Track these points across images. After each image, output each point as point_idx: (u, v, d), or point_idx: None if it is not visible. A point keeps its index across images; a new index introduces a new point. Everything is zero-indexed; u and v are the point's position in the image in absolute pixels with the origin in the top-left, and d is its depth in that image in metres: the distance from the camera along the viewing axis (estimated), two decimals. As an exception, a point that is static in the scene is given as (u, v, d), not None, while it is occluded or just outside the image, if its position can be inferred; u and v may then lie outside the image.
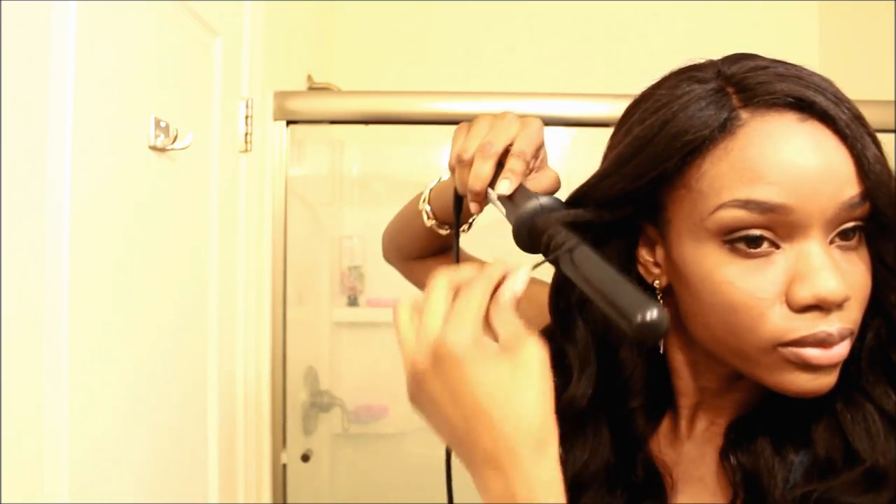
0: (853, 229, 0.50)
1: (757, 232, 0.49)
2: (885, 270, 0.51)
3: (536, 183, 0.62)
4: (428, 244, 0.79)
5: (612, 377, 0.60)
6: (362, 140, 2.06)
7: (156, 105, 0.90)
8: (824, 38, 2.05)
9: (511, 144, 0.62)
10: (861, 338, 0.52)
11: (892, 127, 1.25)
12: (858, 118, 0.50)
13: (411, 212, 0.78)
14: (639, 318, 0.42)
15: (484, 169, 0.61)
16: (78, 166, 0.72)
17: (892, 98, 1.32)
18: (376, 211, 2.10)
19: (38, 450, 0.68)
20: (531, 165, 0.63)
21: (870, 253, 0.51)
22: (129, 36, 0.84)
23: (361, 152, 2.10)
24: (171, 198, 0.96)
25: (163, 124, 0.91)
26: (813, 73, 0.51)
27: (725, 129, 0.50)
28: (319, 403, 1.82)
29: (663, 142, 0.51)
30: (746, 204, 0.48)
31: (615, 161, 0.56)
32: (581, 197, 0.58)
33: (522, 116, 0.63)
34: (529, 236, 0.56)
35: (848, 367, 0.51)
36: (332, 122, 1.48)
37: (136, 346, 0.87)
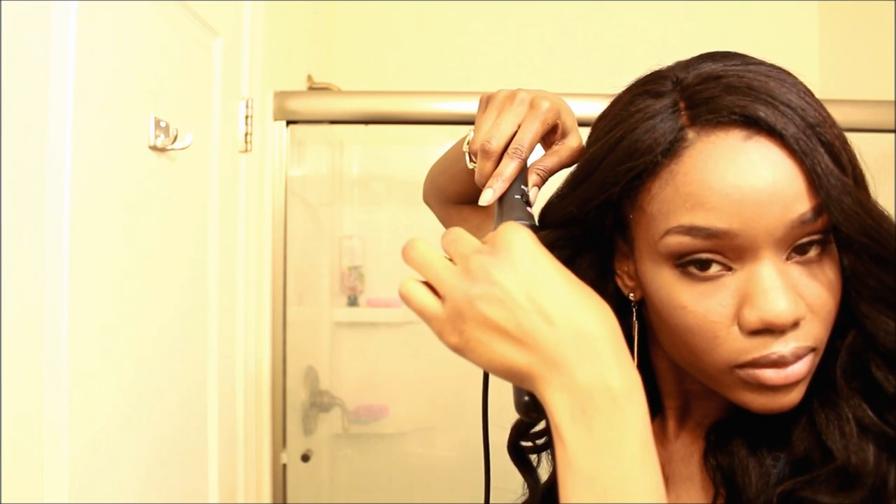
0: (811, 243, 0.49)
1: (705, 256, 0.48)
2: (855, 280, 0.49)
3: (556, 157, 0.63)
4: (468, 188, 0.74)
5: None
6: (362, 140, 2.06)
7: (156, 105, 0.90)
8: (824, 38, 2.05)
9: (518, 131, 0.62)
10: (837, 348, 0.51)
11: (892, 127, 1.25)
12: (814, 126, 0.48)
13: (455, 153, 0.75)
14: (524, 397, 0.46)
15: (485, 168, 0.61)
16: (78, 166, 0.72)
17: (892, 98, 1.32)
18: (376, 211, 2.10)
19: (38, 450, 0.68)
20: (552, 140, 0.64)
21: (840, 263, 0.50)
22: (129, 36, 0.84)
23: (361, 152, 2.10)
24: (171, 198, 0.96)
25: (163, 124, 0.91)
26: (772, 78, 0.49)
27: (671, 151, 0.49)
28: (319, 403, 1.82)
29: (609, 166, 0.52)
30: (690, 230, 0.48)
31: (570, 181, 0.57)
32: (543, 215, 0.59)
33: (533, 95, 0.62)
34: None
35: (827, 373, 0.51)
36: (332, 122, 1.48)
37: (136, 347, 0.87)
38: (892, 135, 1.31)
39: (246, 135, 1.23)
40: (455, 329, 0.46)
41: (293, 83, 1.59)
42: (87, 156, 0.74)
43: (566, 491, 0.42)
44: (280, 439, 1.35)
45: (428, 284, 0.48)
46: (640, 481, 0.41)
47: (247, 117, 1.23)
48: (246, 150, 1.23)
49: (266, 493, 1.30)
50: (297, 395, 1.62)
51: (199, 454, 1.08)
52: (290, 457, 1.40)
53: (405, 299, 0.48)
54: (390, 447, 2.01)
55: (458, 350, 0.47)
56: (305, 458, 1.56)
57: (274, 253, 1.33)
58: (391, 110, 1.41)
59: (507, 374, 0.45)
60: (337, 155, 2.04)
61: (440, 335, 0.47)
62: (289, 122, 1.36)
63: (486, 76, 2.09)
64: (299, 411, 1.64)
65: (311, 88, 1.73)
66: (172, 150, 0.93)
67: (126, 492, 0.84)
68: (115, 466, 0.82)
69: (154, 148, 0.90)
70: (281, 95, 1.35)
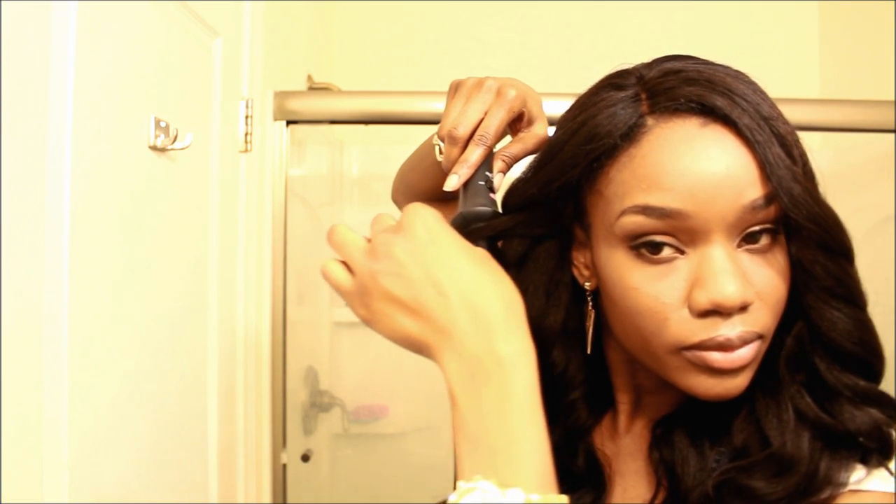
0: (762, 232, 0.50)
1: (659, 238, 0.50)
2: (802, 272, 0.51)
3: (521, 145, 0.64)
4: (437, 184, 0.73)
5: (547, 374, 0.60)
6: (362, 140, 2.06)
7: (156, 105, 0.90)
8: (824, 38, 2.05)
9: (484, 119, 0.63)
10: (785, 341, 0.53)
11: (892, 127, 1.25)
12: (768, 119, 0.49)
13: (426, 147, 0.76)
14: None
15: (452, 154, 0.63)
16: (78, 166, 0.72)
17: (892, 98, 1.32)
18: (376, 211, 2.08)
19: (38, 450, 0.68)
20: (518, 128, 0.66)
21: (789, 254, 0.51)
22: (129, 36, 0.84)
23: (361, 152, 2.10)
24: (171, 198, 0.96)
25: (163, 124, 0.91)
26: (729, 75, 0.51)
27: (630, 136, 0.51)
28: (319, 403, 1.82)
29: (571, 149, 0.53)
30: (644, 210, 0.49)
31: (534, 165, 0.59)
32: (505, 199, 0.60)
33: (501, 83, 0.64)
34: None
35: (773, 366, 0.52)
36: (332, 122, 1.48)
37: (136, 347, 0.87)
38: (892, 135, 1.31)
39: (246, 135, 1.23)
40: (362, 302, 0.50)
41: (293, 83, 1.59)
42: (87, 156, 0.74)
43: (458, 453, 0.44)
44: (280, 439, 1.35)
45: (345, 263, 0.52)
46: (525, 443, 0.43)
47: (247, 117, 1.23)
48: (246, 150, 1.23)
49: (266, 493, 1.30)
50: (297, 395, 1.62)
51: (199, 454, 1.07)
52: (290, 457, 1.39)
53: (324, 276, 0.53)
54: (390, 447, 2.01)
55: (367, 322, 0.50)
56: (305, 458, 1.56)
57: (274, 253, 1.33)
58: (391, 110, 1.41)
59: (408, 343, 0.49)
60: (337, 155, 2.04)
61: (352, 308, 0.51)
62: (289, 122, 1.36)
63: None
64: (299, 411, 1.64)
65: (311, 88, 1.73)
66: (172, 150, 0.93)
67: (126, 491, 0.84)
68: (115, 466, 0.82)
69: (154, 148, 0.90)
70: (281, 95, 1.35)
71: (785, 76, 2.00)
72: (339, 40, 2.13)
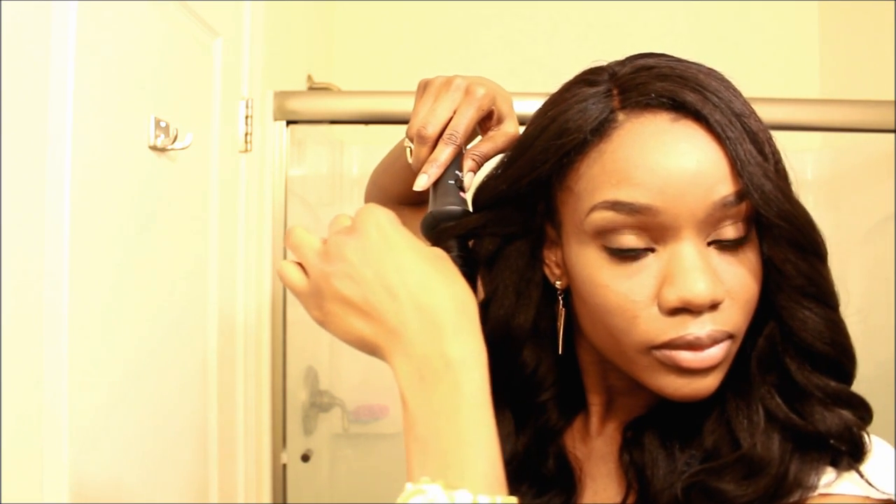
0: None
1: (629, 234, 0.49)
2: (774, 270, 0.50)
3: (492, 144, 0.64)
4: (409, 186, 0.70)
5: (517, 374, 0.60)
6: (362, 140, 2.06)
7: (156, 105, 0.90)
8: (824, 38, 2.05)
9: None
10: (757, 342, 0.52)
11: (892, 127, 1.25)
12: (740, 116, 0.49)
13: (398, 149, 0.75)
14: None
15: (421, 154, 0.62)
16: (78, 166, 0.72)
17: (892, 98, 1.32)
18: (376, 211, 2.10)
19: (38, 450, 0.68)
20: (488, 126, 0.65)
21: (761, 253, 0.50)
22: (129, 36, 0.84)
23: (361, 152, 2.10)
24: (171, 198, 0.96)
25: (163, 124, 0.91)
26: (702, 72, 0.51)
27: (600, 131, 0.50)
28: (319, 403, 1.82)
29: (541, 144, 0.53)
30: (614, 205, 0.49)
31: (504, 162, 0.58)
32: (476, 196, 0.60)
33: (469, 82, 0.64)
34: (435, 243, 0.58)
35: (744, 368, 0.52)
36: (332, 122, 1.48)
37: (136, 347, 0.87)
38: (892, 135, 1.31)
39: (246, 135, 1.23)
40: (316, 304, 0.50)
41: (293, 83, 1.59)
42: (87, 156, 0.74)
43: (409, 455, 0.44)
44: (280, 439, 1.35)
45: (301, 265, 0.52)
46: (474, 444, 0.43)
47: (247, 117, 1.23)
48: (246, 150, 1.23)
49: (266, 493, 1.30)
50: (297, 395, 1.62)
51: (199, 454, 1.07)
52: (290, 457, 1.39)
53: (280, 278, 0.53)
54: (390, 447, 2.01)
55: (321, 323, 0.50)
56: (305, 458, 1.56)
57: (274, 253, 1.33)
58: (391, 110, 1.41)
59: (360, 344, 0.48)
60: (337, 155, 2.04)
61: (307, 309, 0.51)
62: (289, 122, 1.36)
63: (486, 76, 2.08)
64: (299, 411, 1.64)
65: (311, 88, 1.73)
66: (172, 150, 0.93)
67: (126, 491, 0.84)
68: (115, 466, 0.82)
69: (154, 148, 0.90)
70: (281, 95, 1.35)
71: (785, 76, 2.00)
72: (339, 40, 2.13)
